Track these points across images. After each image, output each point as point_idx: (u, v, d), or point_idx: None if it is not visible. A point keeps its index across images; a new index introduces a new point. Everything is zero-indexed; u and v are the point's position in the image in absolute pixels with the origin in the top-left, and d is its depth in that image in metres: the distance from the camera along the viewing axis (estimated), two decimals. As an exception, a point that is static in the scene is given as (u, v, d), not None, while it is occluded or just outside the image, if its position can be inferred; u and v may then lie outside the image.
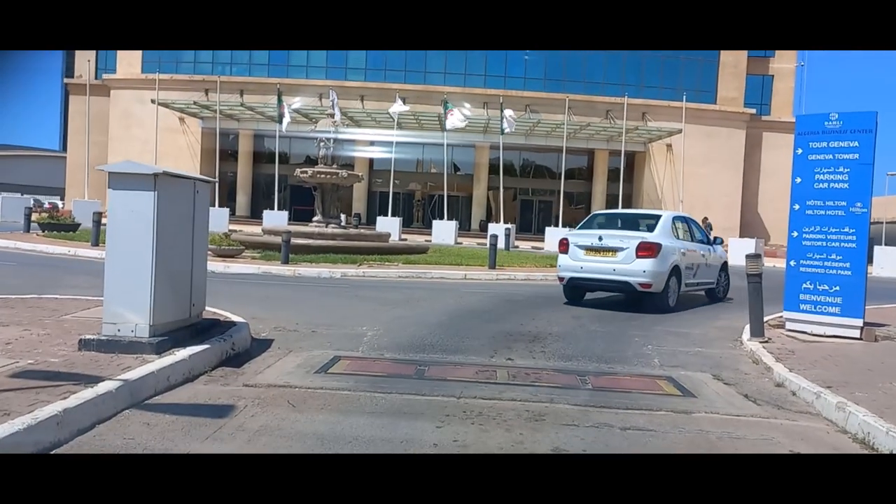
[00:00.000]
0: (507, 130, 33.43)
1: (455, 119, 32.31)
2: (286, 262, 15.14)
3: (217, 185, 42.61)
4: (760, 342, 7.98)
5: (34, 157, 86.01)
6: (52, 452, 3.71)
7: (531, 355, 7.13)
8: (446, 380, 5.89)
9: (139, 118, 41.64)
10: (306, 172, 18.76)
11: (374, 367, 6.29)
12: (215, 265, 14.40)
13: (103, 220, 9.17)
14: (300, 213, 35.79)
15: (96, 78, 44.64)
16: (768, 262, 31.16)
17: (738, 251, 28.48)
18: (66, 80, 51.44)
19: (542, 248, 29.71)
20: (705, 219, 39.10)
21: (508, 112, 33.02)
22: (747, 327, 8.55)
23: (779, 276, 9.77)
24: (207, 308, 7.23)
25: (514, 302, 11.68)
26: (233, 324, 7.15)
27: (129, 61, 43.91)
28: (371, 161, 43.60)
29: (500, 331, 8.49)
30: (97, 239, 17.33)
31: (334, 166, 19.58)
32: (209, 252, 15.89)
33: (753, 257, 8.60)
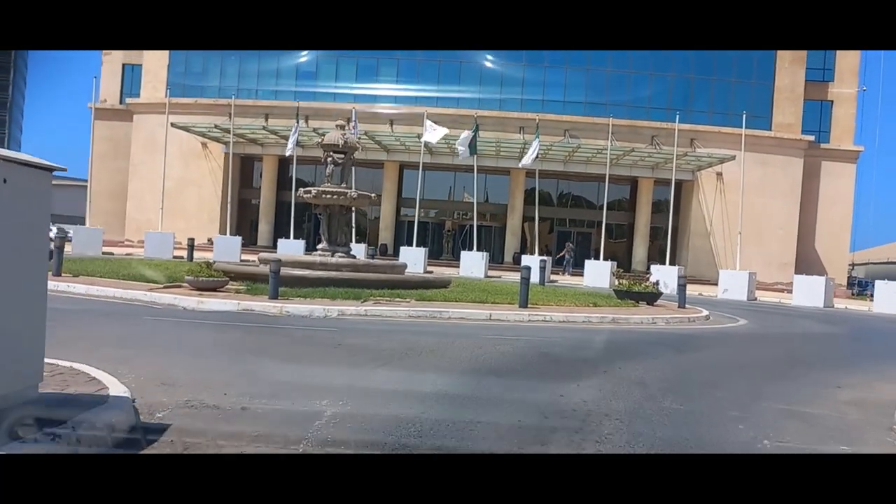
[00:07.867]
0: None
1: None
2: (275, 296, 12.51)
3: (236, 211, 40.72)
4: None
5: None
6: None
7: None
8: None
9: (162, 143, 40.04)
10: (310, 192, 16.27)
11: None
12: (187, 300, 11.95)
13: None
14: (323, 243, 33.43)
15: (120, 103, 43.46)
16: (839, 304, 27.78)
17: (806, 290, 25.29)
18: (90, 105, 50.54)
19: (582, 283, 26.83)
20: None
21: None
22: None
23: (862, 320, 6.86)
24: (87, 369, 4.68)
25: (550, 355, 8.89)
26: (102, 400, 4.53)
27: (153, 85, 42.46)
28: (400, 188, 41.30)
29: (530, 406, 5.73)
30: None
31: (343, 185, 17.04)
32: (185, 285, 13.61)
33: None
